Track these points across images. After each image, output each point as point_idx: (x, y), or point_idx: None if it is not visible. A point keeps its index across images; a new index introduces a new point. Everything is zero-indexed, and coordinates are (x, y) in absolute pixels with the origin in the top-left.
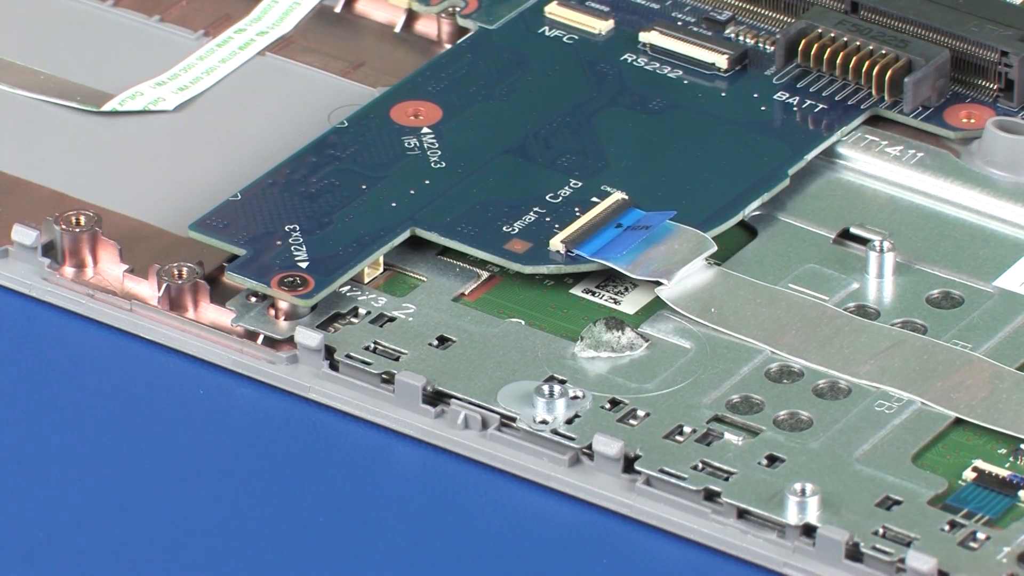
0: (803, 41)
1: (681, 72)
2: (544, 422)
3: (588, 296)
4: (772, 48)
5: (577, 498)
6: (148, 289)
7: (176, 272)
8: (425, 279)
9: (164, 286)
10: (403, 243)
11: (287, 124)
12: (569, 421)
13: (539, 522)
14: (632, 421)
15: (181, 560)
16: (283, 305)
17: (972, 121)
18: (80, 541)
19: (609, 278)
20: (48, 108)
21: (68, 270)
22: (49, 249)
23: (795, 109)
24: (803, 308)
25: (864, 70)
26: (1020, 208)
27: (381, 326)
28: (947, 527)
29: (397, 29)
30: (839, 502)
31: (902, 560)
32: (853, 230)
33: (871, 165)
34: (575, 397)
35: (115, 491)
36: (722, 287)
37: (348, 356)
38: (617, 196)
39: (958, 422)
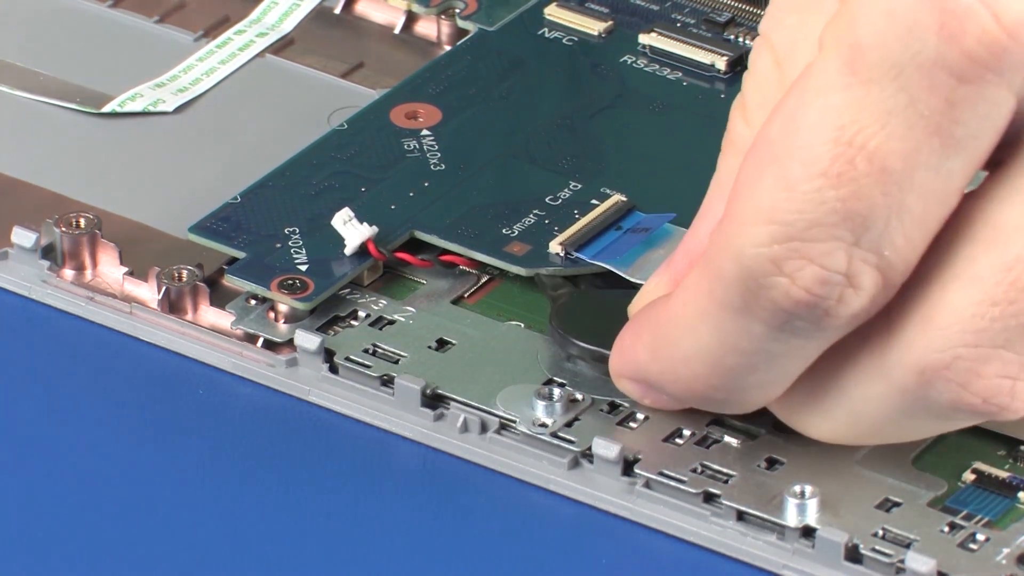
0: None
1: (680, 74)
2: (543, 425)
3: None
4: None
5: (577, 501)
6: (148, 292)
7: (176, 275)
8: (424, 282)
9: (164, 289)
10: (402, 245)
11: (287, 126)
12: (568, 424)
13: (539, 525)
14: (631, 424)
15: (181, 562)
16: (283, 308)
17: None
18: (80, 542)
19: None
20: (48, 109)
21: (68, 272)
22: (49, 251)
23: None
24: None
25: None
26: None
27: (380, 329)
28: (947, 529)
29: (397, 30)
30: (838, 504)
31: (902, 562)
32: None
33: None
34: (574, 400)
35: (115, 493)
36: None
37: (347, 359)
38: (617, 198)
39: None
